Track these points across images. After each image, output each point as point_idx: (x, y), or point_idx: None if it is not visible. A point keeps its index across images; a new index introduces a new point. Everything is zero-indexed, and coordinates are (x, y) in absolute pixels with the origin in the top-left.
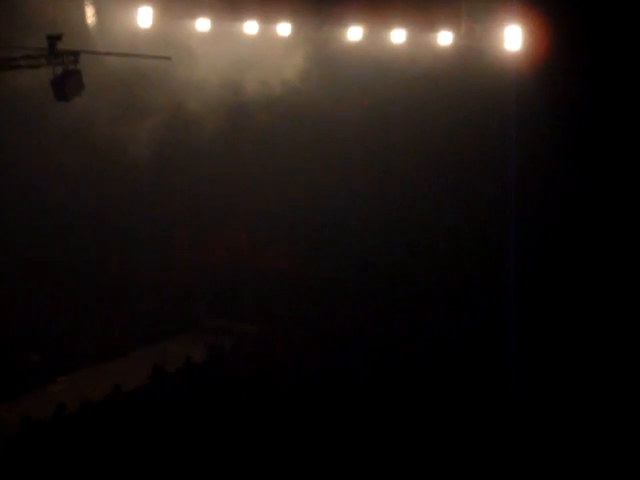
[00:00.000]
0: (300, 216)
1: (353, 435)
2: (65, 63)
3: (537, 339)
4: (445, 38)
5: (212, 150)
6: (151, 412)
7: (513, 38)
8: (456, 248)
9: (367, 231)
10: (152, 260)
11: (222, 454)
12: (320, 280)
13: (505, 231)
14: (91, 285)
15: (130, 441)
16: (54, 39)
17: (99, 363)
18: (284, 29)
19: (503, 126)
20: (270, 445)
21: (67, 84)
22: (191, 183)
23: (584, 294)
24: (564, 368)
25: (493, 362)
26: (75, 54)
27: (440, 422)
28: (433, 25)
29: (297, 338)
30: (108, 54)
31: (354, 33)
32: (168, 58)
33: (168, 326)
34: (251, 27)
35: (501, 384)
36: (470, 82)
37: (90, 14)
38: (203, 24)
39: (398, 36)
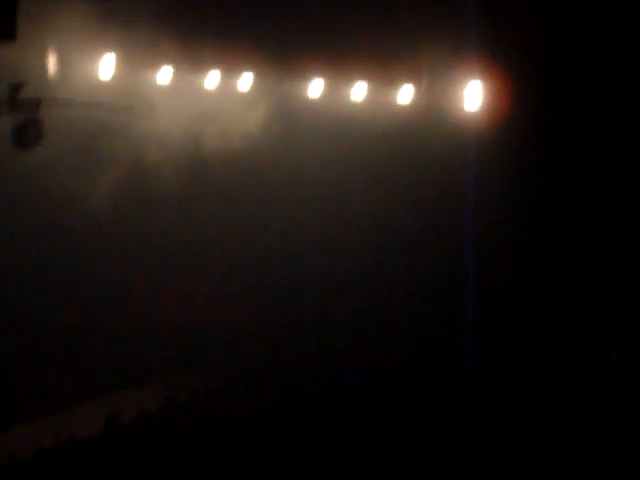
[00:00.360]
0: (262, 269)
1: None
2: (26, 111)
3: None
4: (405, 95)
5: (171, 203)
6: (104, 462)
7: (474, 96)
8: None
9: (327, 285)
10: (107, 310)
11: None
12: (281, 332)
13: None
14: (44, 334)
15: None
16: (16, 87)
17: (51, 414)
18: (245, 82)
19: (461, 185)
20: None
21: (28, 132)
22: (149, 235)
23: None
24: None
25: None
26: (36, 102)
27: None
28: (394, 81)
29: (256, 391)
30: (69, 103)
31: (315, 87)
32: (130, 109)
33: (122, 377)
34: (212, 79)
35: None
36: (429, 141)
37: (52, 63)
38: (164, 76)
39: (359, 91)
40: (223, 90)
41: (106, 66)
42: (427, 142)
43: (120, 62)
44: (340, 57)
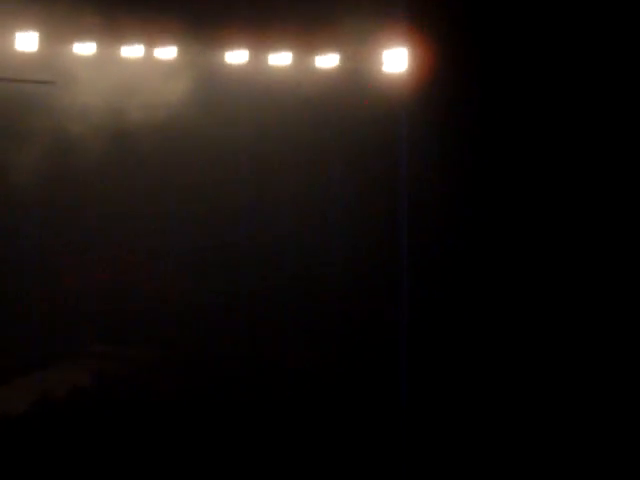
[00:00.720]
0: (189, 236)
1: None
2: None
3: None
4: (329, 61)
5: (96, 176)
6: (37, 441)
7: (398, 60)
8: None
9: (255, 252)
10: (34, 285)
11: None
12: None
13: (396, 262)
14: None
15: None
16: None
17: None
18: (168, 52)
19: (392, 152)
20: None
21: None
22: (75, 209)
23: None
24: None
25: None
26: None
27: None
28: (317, 48)
29: (185, 361)
30: None
31: (238, 56)
32: (52, 82)
33: (50, 351)
34: (135, 51)
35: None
36: (356, 106)
37: None
38: (86, 49)
39: (282, 59)
40: (146, 62)
41: (27, 40)
42: (353, 108)
43: (41, 36)
44: (263, 25)
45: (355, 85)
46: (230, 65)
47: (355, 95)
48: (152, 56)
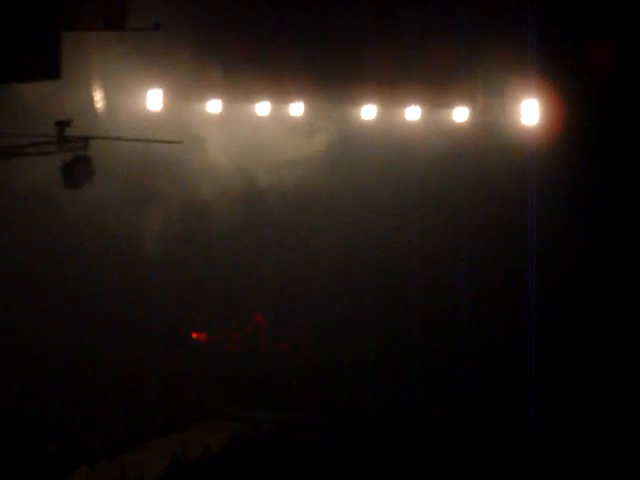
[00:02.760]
0: (318, 302)
1: None
2: (74, 149)
3: None
4: (461, 114)
5: (227, 236)
6: None
7: (530, 113)
8: (476, 320)
9: (385, 309)
10: (168, 348)
11: None
12: (339, 363)
13: (525, 307)
14: (109, 374)
15: None
16: (63, 125)
17: (117, 453)
18: (297, 109)
19: (522, 203)
20: None
21: (76, 170)
22: (206, 270)
23: None
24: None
25: None
26: (84, 140)
27: None
28: (448, 102)
29: (317, 423)
30: (118, 139)
31: (368, 112)
32: (180, 142)
33: (186, 414)
34: (262, 109)
35: None
36: (488, 159)
37: (99, 99)
38: (213, 107)
39: (412, 114)
40: (274, 118)
41: (154, 100)
42: (486, 160)
43: (168, 95)
44: (393, 80)
45: (487, 138)
46: (361, 121)
47: (487, 148)
48: (280, 114)
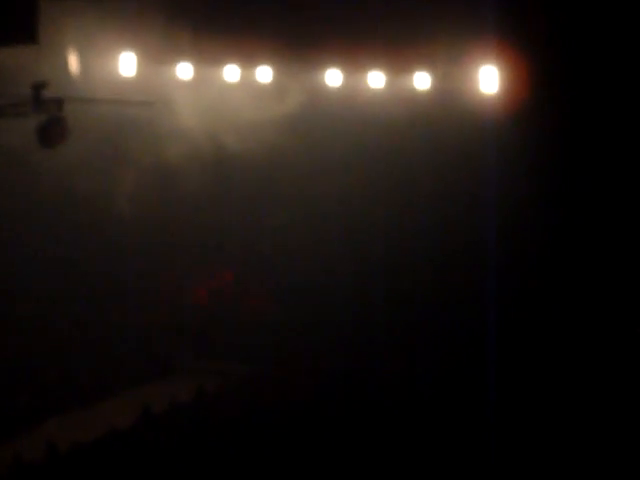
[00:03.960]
0: (285, 257)
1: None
2: (50, 110)
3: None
4: (422, 81)
5: (196, 196)
6: (139, 453)
7: (490, 80)
8: (436, 291)
9: (350, 272)
10: (137, 304)
11: None
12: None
13: (484, 274)
14: (78, 328)
15: None
16: (39, 87)
17: (87, 405)
18: (265, 74)
19: (483, 169)
20: None
21: (52, 131)
22: (175, 230)
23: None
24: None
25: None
26: (59, 101)
27: None
28: (410, 67)
29: (284, 377)
30: (91, 101)
31: (333, 77)
32: (151, 104)
33: (155, 367)
34: (231, 73)
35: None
36: (449, 125)
37: (73, 62)
38: (184, 71)
39: (375, 79)
40: (242, 83)
41: (126, 63)
42: (446, 127)
43: (140, 58)
44: (356, 46)
45: (448, 104)
46: (325, 86)
47: (447, 115)
48: (248, 78)
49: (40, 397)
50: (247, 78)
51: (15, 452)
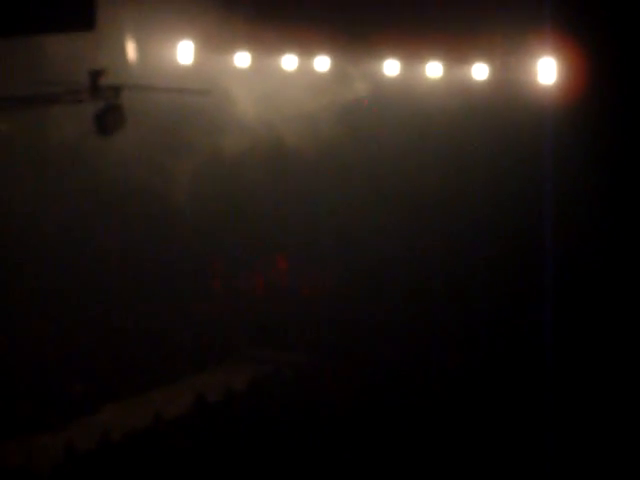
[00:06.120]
0: (342, 248)
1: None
2: (107, 98)
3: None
4: (480, 71)
5: (253, 186)
6: (193, 441)
7: (548, 71)
8: (492, 282)
9: (408, 263)
10: (194, 292)
11: None
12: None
13: (541, 263)
14: (135, 317)
15: (174, 471)
16: (96, 75)
17: (143, 392)
18: (322, 64)
19: (539, 160)
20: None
21: (109, 118)
22: (231, 218)
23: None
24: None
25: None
26: (116, 89)
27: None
28: (468, 58)
29: (341, 368)
30: (148, 89)
31: (391, 67)
32: (208, 92)
33: (211, 355)
34: (289, 62)
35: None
36: (506, 115)
37: (131, 50)
38: (241, 60)
39: (434, 69)
40: (300, 71)
41: (184, 51)
42: (503, 118)
43: (197, 47)
44: (415, 36)
45: (505, 95)
46: (383, 76)
47: (505, 105)
48: (306, 67)
49: (96, 385)
50: (305, 67)
51: (68, 440)
